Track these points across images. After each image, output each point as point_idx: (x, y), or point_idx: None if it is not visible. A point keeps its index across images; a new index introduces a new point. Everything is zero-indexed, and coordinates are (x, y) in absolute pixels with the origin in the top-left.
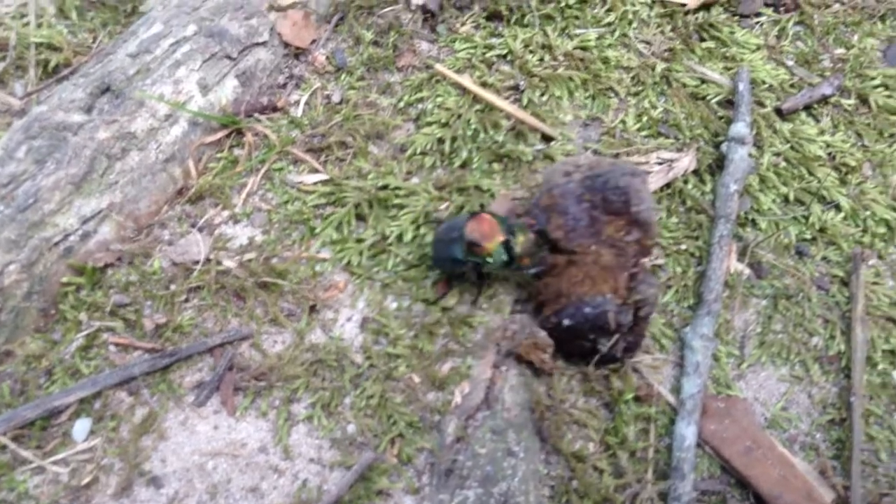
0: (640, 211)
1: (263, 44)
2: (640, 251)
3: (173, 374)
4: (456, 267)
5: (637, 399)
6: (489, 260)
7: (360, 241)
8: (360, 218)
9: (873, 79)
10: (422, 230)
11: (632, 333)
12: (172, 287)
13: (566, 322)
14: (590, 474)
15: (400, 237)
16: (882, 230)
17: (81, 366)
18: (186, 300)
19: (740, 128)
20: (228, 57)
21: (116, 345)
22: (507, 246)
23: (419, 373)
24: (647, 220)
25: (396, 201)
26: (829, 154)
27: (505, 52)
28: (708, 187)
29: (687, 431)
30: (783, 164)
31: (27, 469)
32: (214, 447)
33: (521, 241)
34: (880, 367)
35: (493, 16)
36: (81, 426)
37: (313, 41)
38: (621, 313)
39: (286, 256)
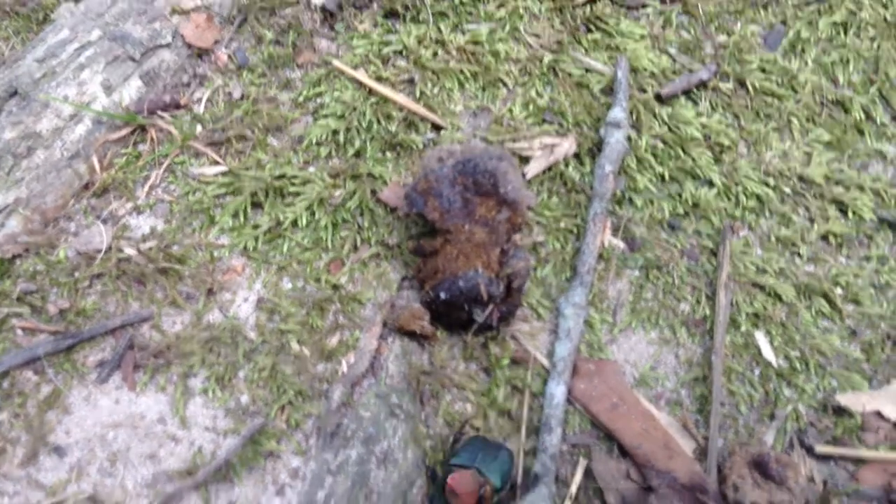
0: (508, 191)
1: (167, 45)
2: (511, 228)
3: (77, 355)
4: None
5: (514, 363)
6: None
7: (256, 227)
8: (257, 205)
9: (751, 63)
10: (316, 215)
11: (506, 304)
12: (76, 275)
13: (443, 295)
14: (467, 432)
15: (295, 222)
16: (753, 203)
17: None
18: (89, 286)
19: (617, 113)
20: (132, 59)
21: (23, 329)
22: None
23: (309, 346)
24: (516, 200)
25: (292, 189)
26: (705, 135)
27: (400, 47)
28: (587, 169)
29: (556, 390)
30: (660, 145)
31: None
32: (115, 419)
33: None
34: (743, 328)
35: (390, 13)
36: None
37: (216, 41)
38: (492, 285)
39: (186, 244)
